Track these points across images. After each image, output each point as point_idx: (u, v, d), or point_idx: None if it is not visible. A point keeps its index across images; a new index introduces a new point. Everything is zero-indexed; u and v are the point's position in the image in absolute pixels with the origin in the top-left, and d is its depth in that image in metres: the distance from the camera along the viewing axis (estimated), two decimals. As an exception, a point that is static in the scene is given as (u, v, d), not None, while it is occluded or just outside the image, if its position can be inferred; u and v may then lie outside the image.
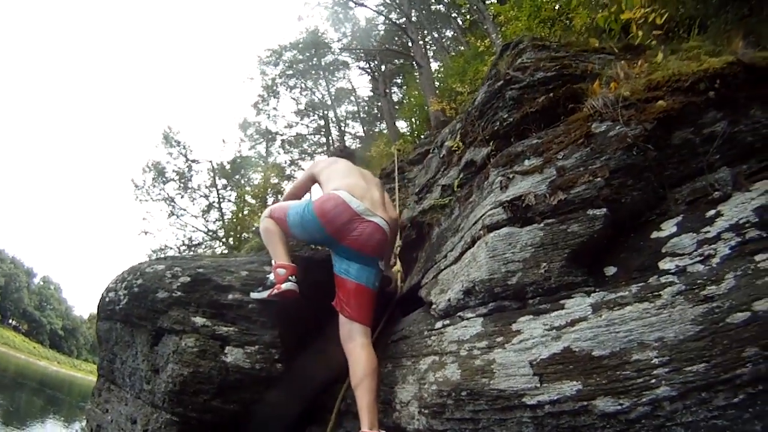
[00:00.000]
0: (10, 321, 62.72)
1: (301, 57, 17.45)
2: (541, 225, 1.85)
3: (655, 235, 1.75)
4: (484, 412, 1.71)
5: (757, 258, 1.43)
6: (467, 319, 1.95)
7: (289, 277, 2.54)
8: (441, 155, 3.44)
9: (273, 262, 2.71)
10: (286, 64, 17.88)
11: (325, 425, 2.94)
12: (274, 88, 18.27)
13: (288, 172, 18.62)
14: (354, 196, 2.52)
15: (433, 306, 2.31)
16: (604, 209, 1.81)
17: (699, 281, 1.46)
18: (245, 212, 15.47)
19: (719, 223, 1.60)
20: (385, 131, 15.44)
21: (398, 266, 3.53)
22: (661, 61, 2.62)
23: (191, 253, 14.88)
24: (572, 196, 1.86)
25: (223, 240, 15.04)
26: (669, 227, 1.73)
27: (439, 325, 2.20)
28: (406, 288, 3.19)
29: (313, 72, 17.81)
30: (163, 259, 3.44)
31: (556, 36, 5.94)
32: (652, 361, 1.35)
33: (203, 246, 15.39)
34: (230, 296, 2.96)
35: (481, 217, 2.05)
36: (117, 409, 3.58)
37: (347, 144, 18.50)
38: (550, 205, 1.87)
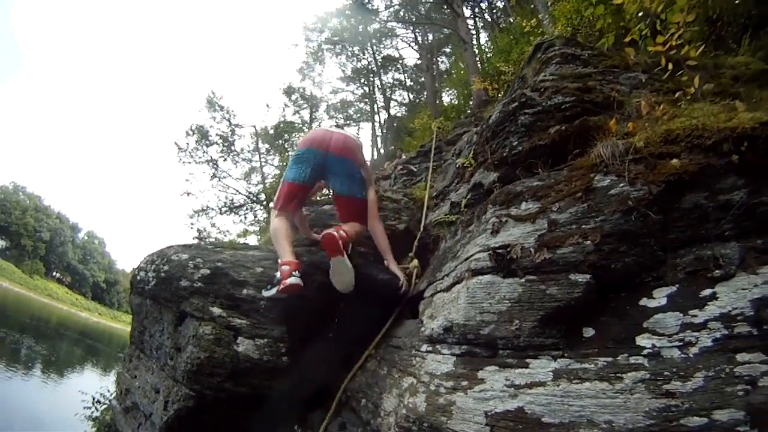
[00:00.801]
0: (54, 274, 66.56)
1: (346, 24, 17.19)
2: (522, 280, 1.81)
3: (644, 302, 1.67)
4: (439, 446, 1.78)
5: (738, 358, 1.36)
6: (443, 354, 1.99)
7: (293, 273, 2.67)
8: (457, 166, 3.42)
9: (279, 260, 2.89)
10: (332, 31, 17.70)
11: (326, 409, 3.12)
12: (319, 54, 18.21)
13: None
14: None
15: (422, 329, 2.36)
16: (588, 276, 1.73)
17: (666, 373, 1.42)
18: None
19: (711, 308, 1.51)
20: (426, 103, 15.22)
21: (415, 263, 3.63)
22: (692, 93, 2.40)
23: (230, 214, 15.47)
24: (557, 257, 1.79)
25: (264, 204, 15.48)
26: (660, 297, 1.65)
27: (423, 348, 2.25)
28: (416, 290, 3.27)
29: (360, 39, 17.53)
30: (188, 247, 3.66)
31: (606, 22, 5.58)
32: (596, 442, 1.36)
33: (244, 208, 15.93)
34: (245, 291, 3.17)
35: (471, 256, 2.04)
36: (144, 377, 3.96)
37: (392, 111, 18.37)
38: (534, 262, 1.81)
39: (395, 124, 17.91)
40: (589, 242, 1.77)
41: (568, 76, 2.94)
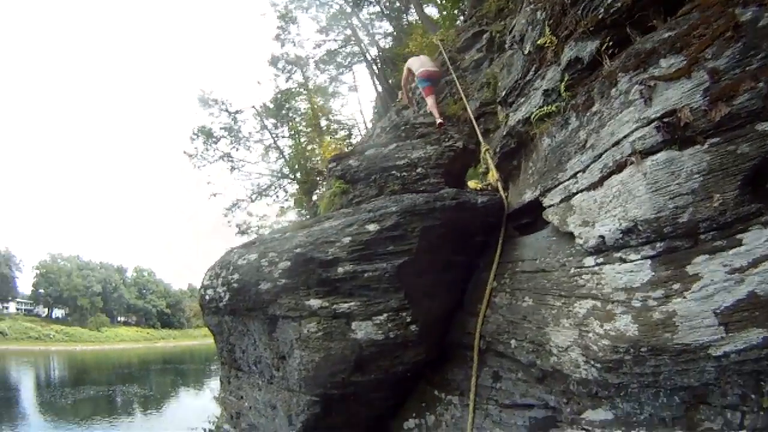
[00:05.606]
0: (119, 319, 70.70)
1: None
2: (705, 147, 1.59)
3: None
4: (665, 365, 1.69)
5: None
6: (631, 261, 1.81)
7: (437, 120, 5.17)
8: (526, 51, 3.05)
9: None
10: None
11: (463, 363, 2.99)
12: (289, 15, 17.55)
13: (331, 89, 18.41)
14: (427, 67, 6.12)
15: (578, 240, 2.18)
16: (775, 120, 1.52)
17: None
18: (303, 142, 16.03)
19: None
20: (415, 22, 14.58)
21: (495, 175, 3.45)
22: None
23: (261, 198, 15.67)
24: (737, 108, 1.55)
25: (291, 177, 15.76)
26: None
27: (590, 262, 2.08)
28: (515, 203, 3.08)
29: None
30: (252, 245, 3.47)
31: None
32: None
33: (273, 188, 16.20)
34: (340, 269, 2.90)
35: (624, 137, 1.83)
36: (252, 395, 3.86)
37: (380, 44, 17.98)
38: (713, 122, 1.58)
39: (388, 56, 17.29)
40: (762, 84, 1.54)
41: None
